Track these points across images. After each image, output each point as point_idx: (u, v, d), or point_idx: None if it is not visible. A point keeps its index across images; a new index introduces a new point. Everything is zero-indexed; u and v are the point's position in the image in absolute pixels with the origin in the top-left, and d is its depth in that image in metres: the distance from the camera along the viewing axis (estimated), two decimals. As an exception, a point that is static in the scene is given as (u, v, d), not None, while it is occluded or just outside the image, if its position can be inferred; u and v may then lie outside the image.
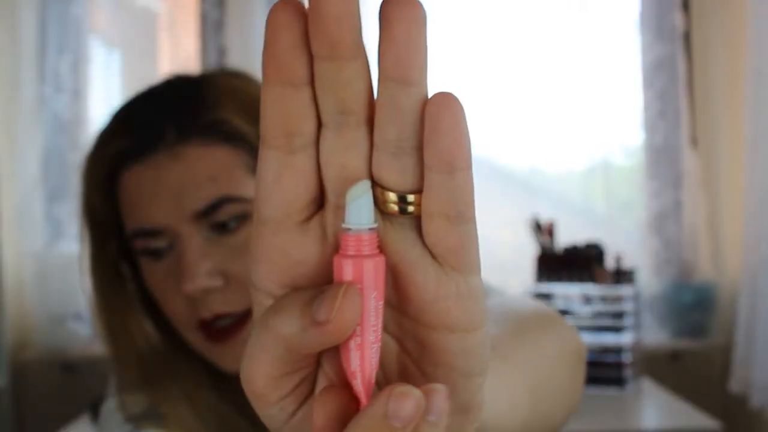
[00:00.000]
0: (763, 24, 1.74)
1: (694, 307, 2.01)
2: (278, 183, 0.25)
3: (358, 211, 0.24)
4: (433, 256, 0.25)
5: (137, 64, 2.26)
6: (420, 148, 0.23)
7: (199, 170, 0.60)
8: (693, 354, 2.00)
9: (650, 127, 2.11)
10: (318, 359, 0.27)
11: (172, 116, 0.62)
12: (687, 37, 2.07)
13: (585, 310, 1.74)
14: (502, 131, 2.20)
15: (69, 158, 2.05)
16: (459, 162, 0.23)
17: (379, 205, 0.25)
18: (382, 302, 0.25)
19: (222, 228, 0.60)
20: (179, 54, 2.21)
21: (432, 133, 0.22)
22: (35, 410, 1.96)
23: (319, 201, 0.26)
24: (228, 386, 0.65)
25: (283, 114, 0.24)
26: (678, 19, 2.07)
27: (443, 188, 0.23)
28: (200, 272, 0.59)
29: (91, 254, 0.67)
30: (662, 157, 2.10)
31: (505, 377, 0.35)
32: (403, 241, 0.25)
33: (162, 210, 0.60)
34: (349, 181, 0.25)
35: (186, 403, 0.65)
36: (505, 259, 2.13)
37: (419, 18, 0.22)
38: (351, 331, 0.24)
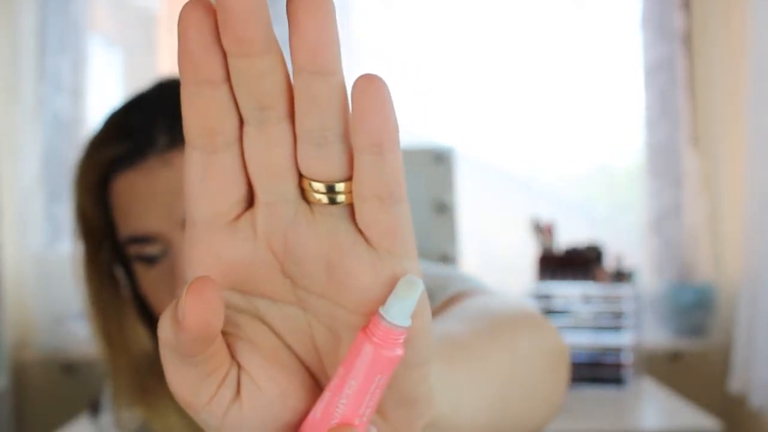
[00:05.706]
0: (763, 24, 1.74)
1: (694, 307, 2.01)
2: (204, 183, 0.25)
3: (402, 309, 0.24)
4: (368, 242, 0.25)
5: (137, 63, 2.26)
6: (344, 136, 0.23)
7: None
8: (693, 354, 2.00)
9: (651, 127, 2.11)
10: (237, 362, 0.27)
11: (163, 122, 0.62)
12: (687, 37, 2.07)
13: (585, 310, 1.74)
14: (503, 131, 2.20)
15: (69, 158, 2.05)
16: (388, 142, 0.23)
17: (308, 197, 0.25)
18: (379, 391, 0.25)
19: None
20: (179, 54, 2.21)
21: (359, 116, 0.22)
22: (35, 410, 1.96)
23: (248, 199, 0.26)
24: None
25: (202, 113, 0.23)
26: (678, 19, 2.07)
27: (374, 170, 0.23)
28: None
29: (84, 259, 0.67)
30: (662, 157, 2.10)
31: (471, 376, 0.34)
32: (335, 230, 0.25)
33: (154, 217, 0.60)
34: (276, 177, 0.24)
35: (177, 415, 0.65)
36: (505, 259, 2.13)
37: (327, 7, 0.22)
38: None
